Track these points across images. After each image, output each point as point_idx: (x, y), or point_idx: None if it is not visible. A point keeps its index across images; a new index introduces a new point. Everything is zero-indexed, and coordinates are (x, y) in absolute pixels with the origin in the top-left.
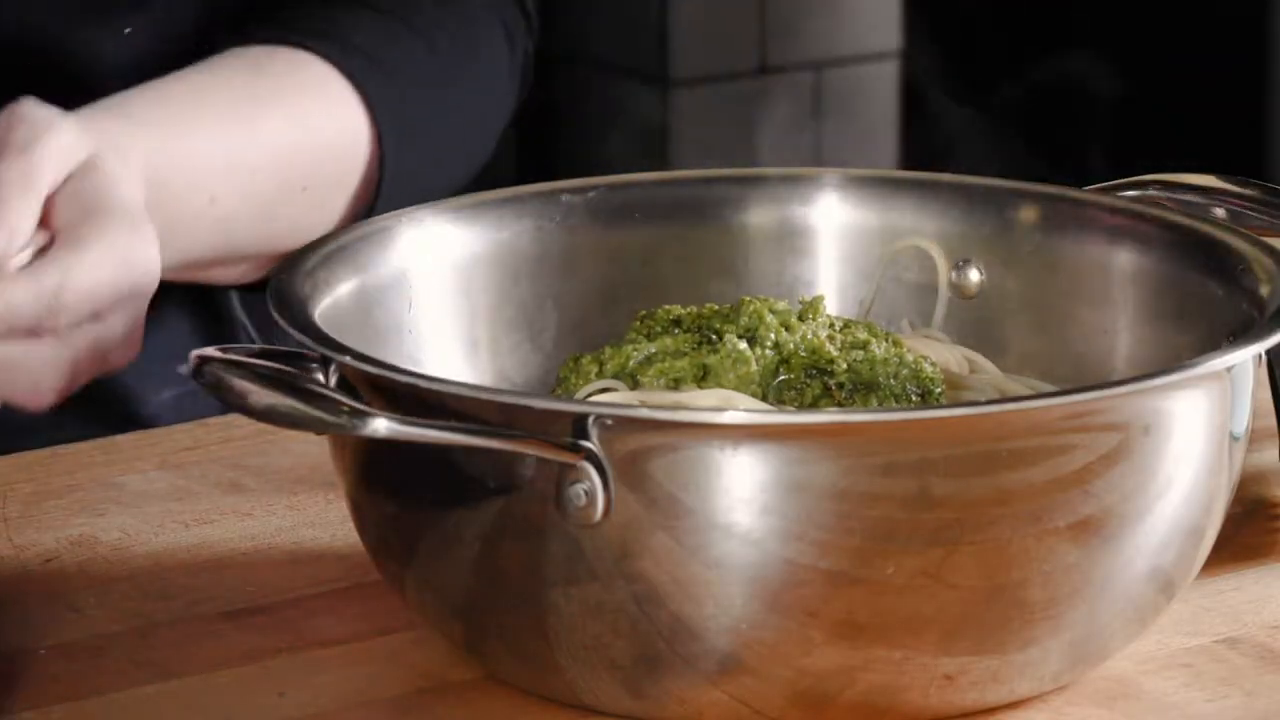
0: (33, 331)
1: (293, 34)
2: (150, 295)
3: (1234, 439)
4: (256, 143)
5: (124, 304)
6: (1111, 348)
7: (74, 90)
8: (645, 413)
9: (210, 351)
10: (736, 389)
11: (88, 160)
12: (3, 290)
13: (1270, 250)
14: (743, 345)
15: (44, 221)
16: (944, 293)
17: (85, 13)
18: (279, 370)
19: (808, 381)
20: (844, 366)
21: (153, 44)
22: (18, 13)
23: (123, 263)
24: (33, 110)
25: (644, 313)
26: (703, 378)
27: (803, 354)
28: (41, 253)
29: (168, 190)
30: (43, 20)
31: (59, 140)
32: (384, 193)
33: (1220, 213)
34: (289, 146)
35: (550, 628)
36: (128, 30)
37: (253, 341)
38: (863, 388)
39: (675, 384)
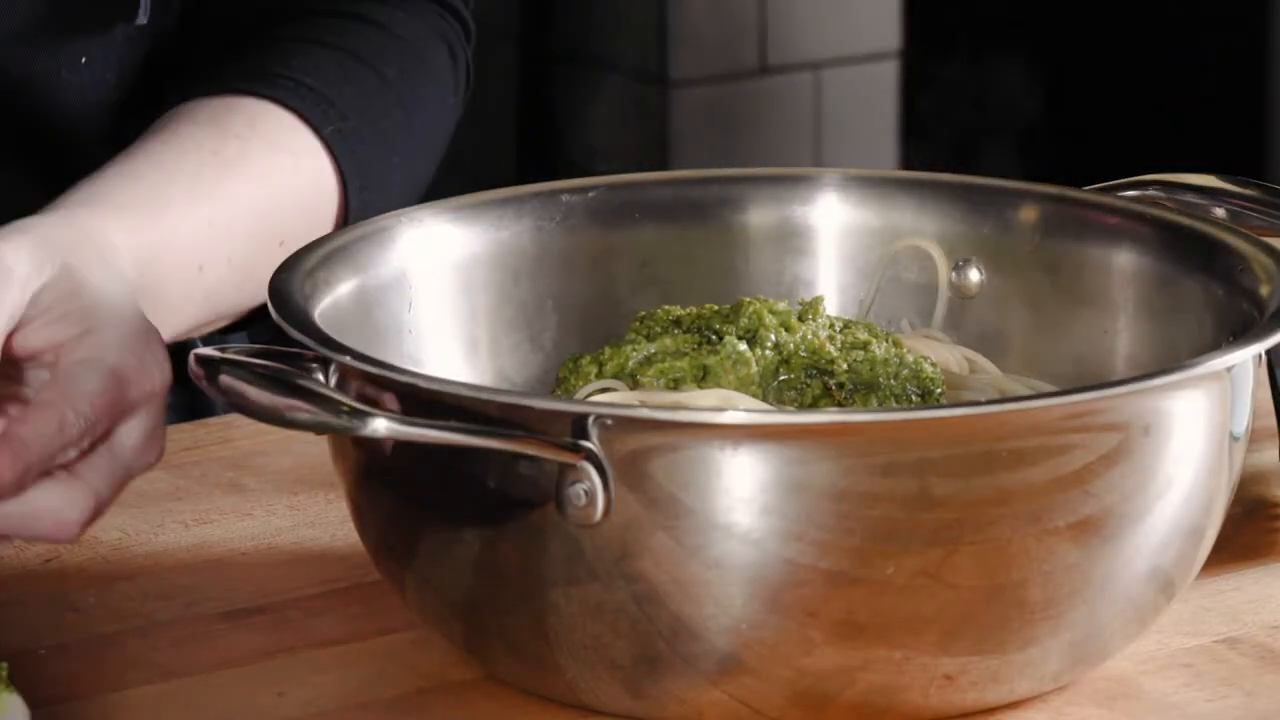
0: (45, 472)
1: (249, 83)
2: (165, 394)
3: (1234, 439)
4: (232, 206)
5: (134, 414)
6: (1111, 348)
7: (31, 120)
8: (645, 413)
9: (210, 351)
10: (736, 390)
11: (60, 272)
12: (5, 444)
13: (1270, 250)
14: (743, 347)
15: (33, 349)
16: (944, 293)
17: (42, 42)
18: (279, 370)
19: (808, 382)
20: (844, 367)
21: (109, 73)
22: None
23: (121, 379)
24: None
25: (644, 313)
26: (702, 378)
27: (803, 354)
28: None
29: (157, 269)
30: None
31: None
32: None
33: (1220, 213)
34: (263, 204)
35: (550, 628)
36: (84, 59)
37: None
38: (863, 388)
39: (675, 384)
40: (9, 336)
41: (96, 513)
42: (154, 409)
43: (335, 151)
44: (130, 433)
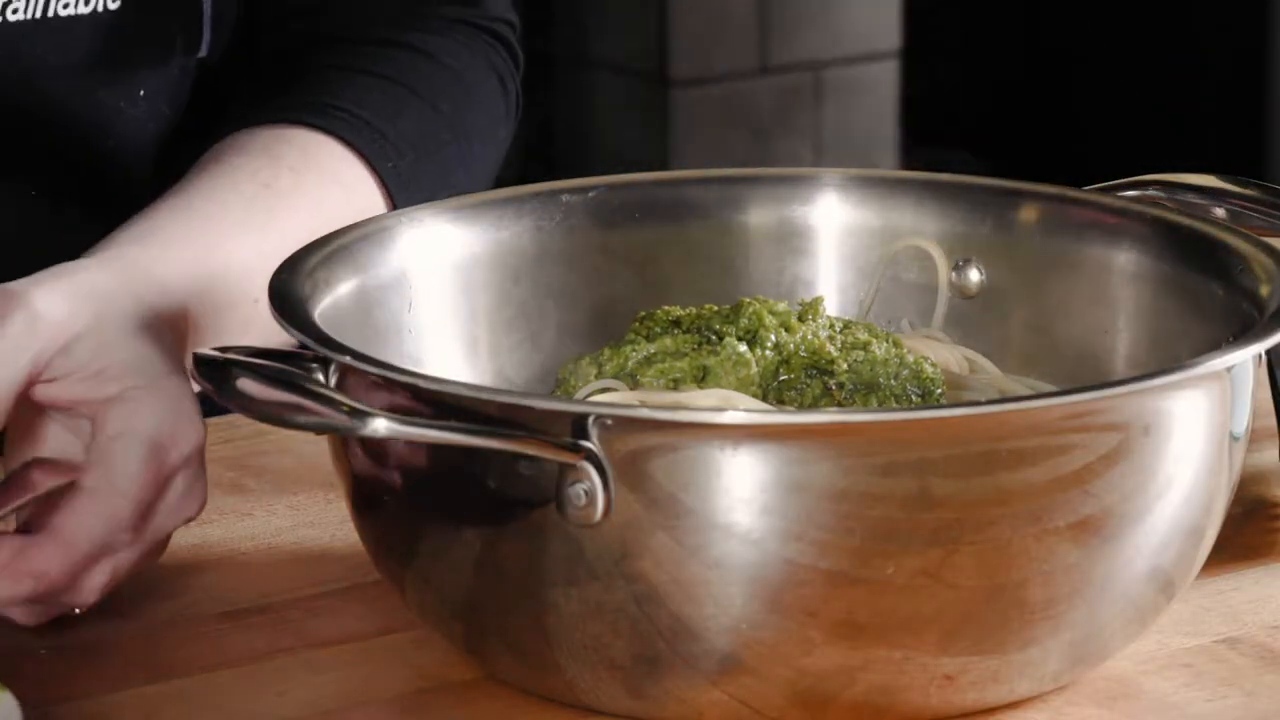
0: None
1: (302, 114)
2: (201, 448)
3: (1234, 439)
4: (285, 238)
5: (174, 474)
6: (1111, 348)
7: (89, 154)
8: (645, 413)
9: (210, 352)
10: (736, 391)
11: (93, 324)
12: (53, 539)
13: (1270, 250)
14: (742, 348)
15: (68, 401)
16: (944, 293)
17: (101, 76)
18: (279, 370)
19: (808, 382)
20: (844, 367)
21: (164, 106)
22: (33, 76)
23: (159, 448)
24: (5, 289)
25: (644, 313)
26: (702, 379)
27: (803, 354)
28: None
29: (212, 303)
30: (59, 84)
31: (21, 321)
32: None
33: (1220, 213)
34: (316, 235)
35: (550, 628)
36: (142, 92)
37: None
38: (863, 388)
39: (675, 385)
40: (34, 384)
41: (114, 579)
42: (190, 470)
43: (391, 188)
44: (169, 493)
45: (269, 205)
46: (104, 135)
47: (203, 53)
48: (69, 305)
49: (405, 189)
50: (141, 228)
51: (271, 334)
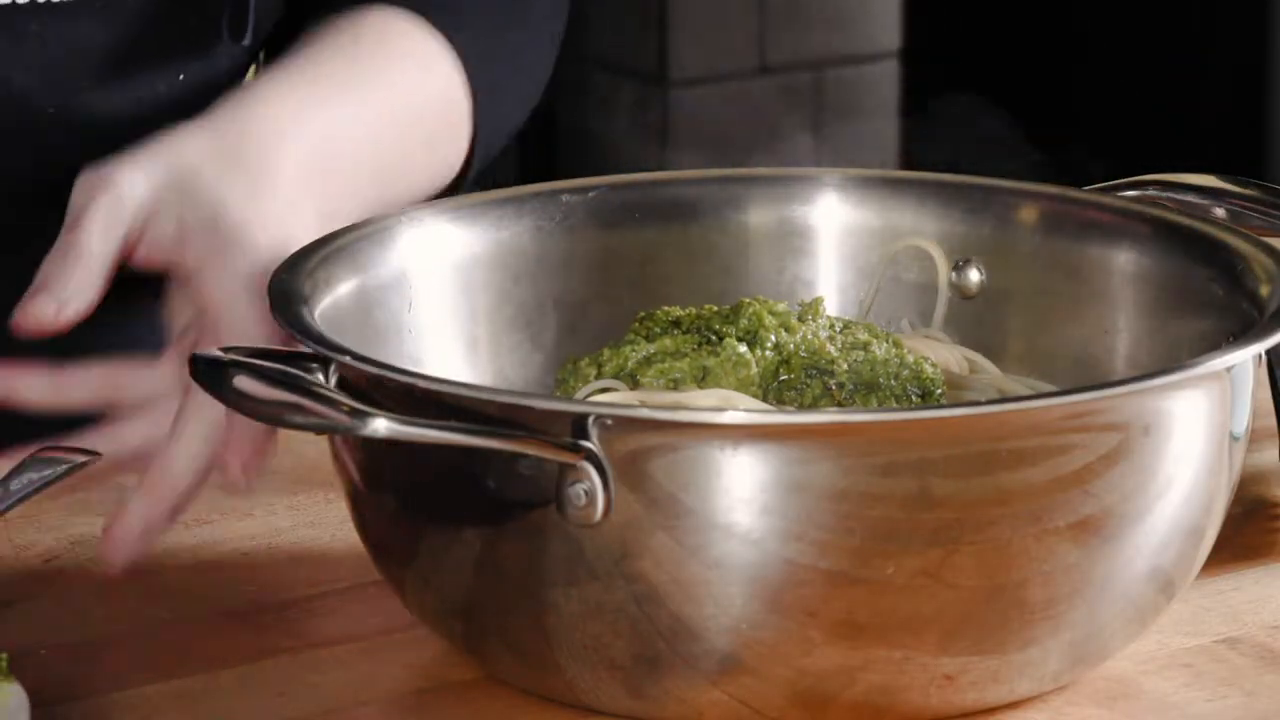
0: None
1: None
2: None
3: (1234, 439)
4: (377, 108)
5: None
6: (1111, 348)
7: (123, 133)
8: (645, 413)
9: (210, 352)
10: (736, 391)
11: (167, 197)
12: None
13: (1270, 250)
14: (743, 349)
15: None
16: (944, 293)
17: (142, 61)
18: (279, 370)
19: (808, 382)
20: (844, 367)
21: (202, 86)
22: (73, 59)
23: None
24: (96, 171)
25: (643, 314)
26: (702, 379)
27: (803, 355)
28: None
29: (321, 167)
30: (100, 67)
31: (107, 203)
32: (481, 140)
33: (1220, 213)
34: (407, 105)
35: (550, 628)
36: (181, 77)
37: None
38: (863, 388)
39: (674, 385)
40: (129, 257)
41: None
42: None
43: (468, 63)
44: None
45: (358, 81)
46: (143, 121)
47: (247, 40)
48: (151, 180)
49: (481, 67)
50: (235, 99)
51: (373, 202)
